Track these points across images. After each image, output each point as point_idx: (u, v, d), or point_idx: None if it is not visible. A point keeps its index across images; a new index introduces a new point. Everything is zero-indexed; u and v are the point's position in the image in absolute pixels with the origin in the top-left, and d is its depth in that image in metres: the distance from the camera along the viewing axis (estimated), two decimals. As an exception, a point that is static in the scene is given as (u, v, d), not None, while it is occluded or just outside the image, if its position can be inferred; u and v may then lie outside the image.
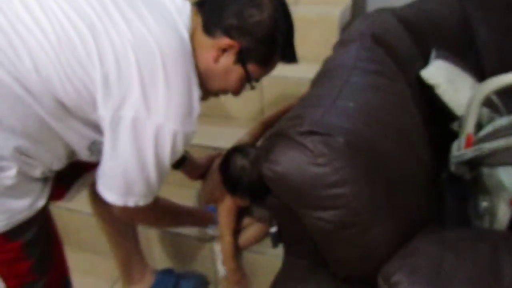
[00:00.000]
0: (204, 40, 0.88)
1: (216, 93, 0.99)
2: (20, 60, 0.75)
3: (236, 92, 0.98)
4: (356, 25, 1.45)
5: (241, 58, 0.89)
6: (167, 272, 1.49)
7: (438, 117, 1.40)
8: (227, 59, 0.89)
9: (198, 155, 1.38)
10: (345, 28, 1.80)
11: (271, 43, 0.90)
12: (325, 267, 0.95)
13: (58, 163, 0.90)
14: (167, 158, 0.85)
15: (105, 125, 0.81)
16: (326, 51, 1.32)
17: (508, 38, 1.87)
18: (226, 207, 1.22)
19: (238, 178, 1.14)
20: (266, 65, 0.94)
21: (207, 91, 0.95)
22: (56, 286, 0.96)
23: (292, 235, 1.00)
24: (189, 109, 0.84)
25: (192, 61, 0.87)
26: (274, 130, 0.90)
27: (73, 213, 1.64)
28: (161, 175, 0.88)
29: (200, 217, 1.28)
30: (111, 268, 1.57)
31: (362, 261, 0.87)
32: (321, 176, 0.80)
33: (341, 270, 0.91)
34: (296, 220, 0.92)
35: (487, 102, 1.29)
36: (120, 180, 0.86)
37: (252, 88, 0.96)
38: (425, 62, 1.48)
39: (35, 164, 0.84)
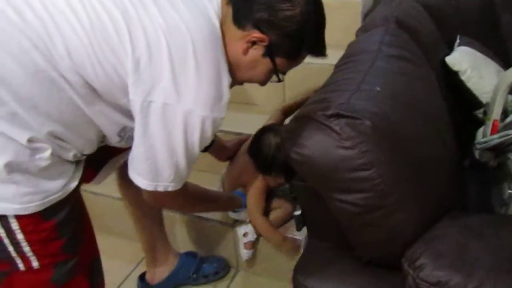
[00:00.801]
0: (233, 30, 0.88)
1: (241, 82, 1.00)
2: (54, 45, 0.76)
3: (263, 83, 0.98)
4: (379, 10, 1.44)
5: (270, 52, 0.89)
6: (190, 255, 1.52)
7: (462, 104, 1.38)
8: (256, 52, 0.89)
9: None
10: (367, 14, 1.78)
11: (300, 38, 0.89)
12: (349, 250, 0.96)
13: (89, 148, 0.92)
14: (196, 144, 0.86)
15: (135, 110, 0.82)
16: (348, 37, 1.32)
17: (532, 24, 1.84)
18: (256, 189, 1.23)
19: (272, 156, 1.14)
20: (294, 59, 0.94)
21: (234, 79, 0.95)
22: (87, 266, 0.97)
23: (316, 219, 1.01)
24: (219, 95, 0.85)
25: (222, 48, 0.87)
26: (300, 113, 0.91)
27: (98, 197, 1.67)
28: (190, 161, 0.90)
29: (229, 203, 1.29)
30: (134, 250, 1.61)
31: (386, 244, 0.87)
32: (347, 159, 0.81)
33: (365, 253, 0.92)
34: (321, 203, 0.93)
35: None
36: (149, 165, 0.87)
37: (279, 80, 0.96)
38: (449, 48, 1.46)
39: (68, 147, 0.85)
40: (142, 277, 1.48)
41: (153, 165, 0.87)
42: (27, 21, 0.75)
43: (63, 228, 0.88)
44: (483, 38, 1.59)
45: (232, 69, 0.91)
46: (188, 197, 1.05)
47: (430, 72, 1.18)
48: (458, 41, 1.49)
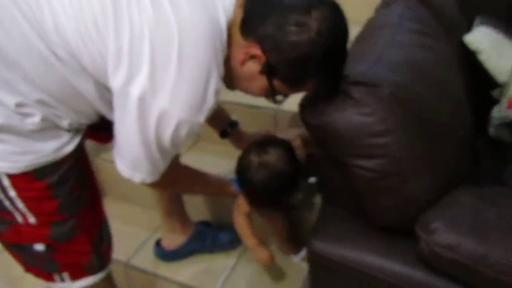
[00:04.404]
0: (237, 36, 0.84)
1: (238, 89, 0.96)
2: (44, 20, 0.77)
3: (259, 96, 0.93)
4: (400, -13, 1.44)
5: (268, 72, 0.83)
6: (205, 224, 1.56)
7: (479, 84, 1.39)
8: (254, 67, 0.84)
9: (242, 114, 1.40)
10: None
11: (301, 68, 0.82)
12: (362, 216, 0.99)
13: (86, 119, 0.92)
14: (167, 143, 0.84)
15: (114, 96, 0.81)
16: (367, 13, 1.32)
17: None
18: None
19: (242, 171, 1.12)
20: (293, 87, 0.87)
21: (231, 85, 0.94)
22: (89, 228, 0.98)
23: (331, 186, 1.04)
24: (201, 99, 0.80)
25: (221, 50, 0.82)
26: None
27: (114, 165, 1.71)
28: (166, 157, 0.89)
29: (221, 189, 1.23)
30: (151, 218, 1.65)
31: (400, 210, 0.90)
32: (365, 125, 0.83)
33: (379, 219, 0.95)
34: (336, 170, 0.96)
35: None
36: (128, 152, 0.87)
37: (275, 102, 0.91)
38: (469, 28, 1.46)
39: (61, 115, 0.85)
40: (158, 243, 1.53)
41: (131, 153, 0.86)
42: None
43: (58, 190, 0.89)
44: (503, 20, 1.59)
45: (228, 74, 0.89)
46: (169, 182, 1.03)
47: (449, 48, 1.19)
48: (478, 21, 1.49)
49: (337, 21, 0.81)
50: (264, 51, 0.80)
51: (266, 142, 1.15)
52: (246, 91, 0.93)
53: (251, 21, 0.81)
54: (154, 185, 0.96)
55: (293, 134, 1.23)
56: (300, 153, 1.18)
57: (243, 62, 0.84)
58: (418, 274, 0.87)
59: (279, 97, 0.89)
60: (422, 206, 0.87)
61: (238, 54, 0.84)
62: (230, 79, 0.90)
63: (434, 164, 0.90)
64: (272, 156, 1.11)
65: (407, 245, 0.90)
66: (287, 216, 1.28)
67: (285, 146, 1.15)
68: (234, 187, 1.18)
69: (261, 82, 0.85)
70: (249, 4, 0.83)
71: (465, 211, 0.84)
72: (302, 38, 0.77)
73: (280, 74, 0.83)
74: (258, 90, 0.89)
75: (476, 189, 0.92)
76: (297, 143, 1.20)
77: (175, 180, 1.05)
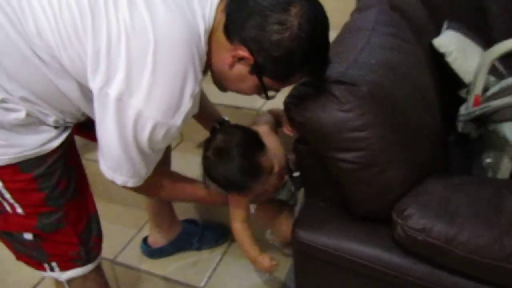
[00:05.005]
0: (222, 40, 0.86)
1: (230, 91, 0.99)
2: (27, 22, 0.79)
3: (252, 95, 0.97)
4: (373, -7, 1.53)
5: (257, 71, 0.87)
6: (192, 223, 1.60)
7: (448, 84, 1.49)
8: (243, 67, 0.87)
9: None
10: (361, -2, 1.87)
11: (289, 63, 0.85)
12: (343, 208, 1.06)
13: (71, 118, 0.94)
14: (145, 145, 0.86)
15: (94, 97, 0.83)
16: (344, 18, 1.40)
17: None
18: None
19: (207, 171, 1.05)
20: (284, 81, 0.91)
21: (222, 87, 0.97)
22: (76, 221, 1.01)
23: (314, 180, 1.10)
24: (176, 102, 0.83)
25: (199, 56, 0.85)
26: (303, 81, 0.99)
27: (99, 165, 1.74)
28: (146, 161, 0.90)
29: (212, 199, 1.17)
30: (136, 217, 1.70)
31: (379, 199, 0.97)
32: (346, 120, 0.90)
33: (359, 208, 1.02)
34: (319, 165, 1.03)
35: (493, 71, 1.38)
36: (110, 155, 0.89)
37: (268, 98, 0.94)
38: (437, 32, 1.56)
39: (46, 112, 0.88)
40: (145, 240, 1.56)
41: (111, 154, 0.88)
42: None
43: (43, 182, 0.91)
44: (471, 26, 1.70)
45: (218, 78, 0.93)
46: (165, 187, 1.05)
47: (419, 50, 1.28)
48: (445, 25, 1.59)
49: (316, 12, 0.84)
50: (251, 52, 0.83)
51: (211, 133, 1.09)
52: (239, 91, 0.96)
53: (234, 24, 0.84)
54: (136, 190, 0.98)
55: (262, 121, 1.20)
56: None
57: (231, 65, 0.87)
58: (395, 258, 0.94)
59: (271, 93, 0.93)
60: (398, 194, 0.95)
61: (226, 58, 0.87)
62: (220, 82, 0.94)
63: (408, 156, 0.97)
64: (221, 139, 1.02)
65: (385, 232, 0.97)
66: (290, 213, 1.23)
67: (232, 126, 1.10)
68: (223, 194, 1.14)
69: (252, 81, 0.89)
70: (230, 8, 0.85)
71: (436, 197, 0.92)
72: (285, 36, 0.81)
73: (269, 71, 0.87)
74: (249, 89, 0.93)
75: (445, 178, 1.00)
76: (265, 129, 1.16)
77: (158, 188, 1.06)
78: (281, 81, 0.91)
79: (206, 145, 1.04)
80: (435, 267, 0.91)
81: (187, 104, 0.84)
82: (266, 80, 0.89)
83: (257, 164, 1.01)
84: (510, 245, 0.82)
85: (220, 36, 0.86)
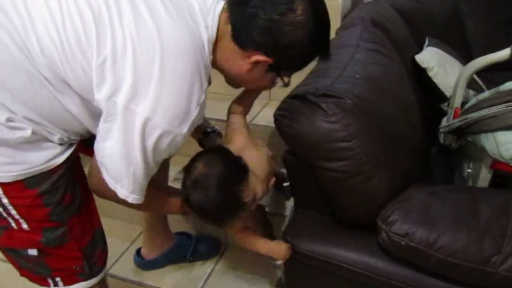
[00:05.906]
0: (234, 48, 0.89)
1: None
2: (30, 42, 0.80)
3: (269, 88, 1.07)
4: (356, 12, 1.61)
5: (275, 69, 0.93)
6: (184, 235, 1.62)
7: (429, 99, 1.55)
8: (261, 69, 0.93)
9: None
10: (346, 16, 1.94)
11: (303, 56, 0.92)
12: (331, 216, 1.10)
13: (75, 135, 0.94)
14: (150, 154, 0.86)
15: (102, 109, 0.84)
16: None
17: (493, 32, 2.04)
18: None
19: (187, 201, 0.99)
20: (299, 70, 0.98)
21: (238, 86, 1.04)
22: (80, 236, 1.01)
23: (303, 189, 1.15)
24: (183, 110, 0.84)
25: (204, 65, 0.86)
26: (291, 94, 1.04)
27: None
28: (148, 171, 0.89)
29: None
30: (129, 230, 1.72)
31: (364, 206, 1.02)
32: (332, 131, 0.95)
33: (346, 216, 1.07)
34: (307, 175, 1.07)
35: (472, 85, 1.45)
36: (112, 165, 0.88)
37: (286, 85, 0.99)
38: (419, 49, 1.64)
39: (50, 131, 0.88)
40: (138, 252, 1.58)
41: (114, 165, 0.88)
42: (10, 18, 0.80)
43: (48, 198, 0.92)
44: (450, 42, 1.78)
45: (235, 81, 0.99)
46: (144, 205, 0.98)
47: (402, 66, 1.35)
48: (427, 42, 1.67)
49: (317, 2, 0.89)
50: (267, 55, 0.88)
51: (192, 160, 1.00)
52: (258, 87, 1.05)
53: (243, 33, 0.87)
54: (133, 205, 0.95)
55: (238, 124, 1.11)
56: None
57: (250, 71, 0.92)
58: (380, 263, 0.99)
59: (285, 79, 0.98)
60: (382, 202, 1.00)
61: (244, 65, 0.91)
62: (237, 84, 1.01)
63: (392, 166, 1.03)
64: (200, 171, 0.96)
65: (370, 239, 1.02)
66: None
67: (214, 151, 1.03)
68: None
69: (270, 77, 0.96)
70: (234, 18, 0.88)
71: (418, 204, 0.97)
72: (298, 35, 0.86)
73: (286, 66, 0.94)
74: (268, 82, 1.00)
75: (427, 187, 1.05)
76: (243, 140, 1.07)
77: (153, 202, 1.04)
78: (297, 70, 0.98)
79: (186, 173, 0.99)
80: (418, 271, 0.95)
81: (194, 111, 0.85)
82: (283, 73, 0.96)
83: (237, 200, 0.96)
84: (487, 248, 0.87)
85: (230, 45, 0.90)
